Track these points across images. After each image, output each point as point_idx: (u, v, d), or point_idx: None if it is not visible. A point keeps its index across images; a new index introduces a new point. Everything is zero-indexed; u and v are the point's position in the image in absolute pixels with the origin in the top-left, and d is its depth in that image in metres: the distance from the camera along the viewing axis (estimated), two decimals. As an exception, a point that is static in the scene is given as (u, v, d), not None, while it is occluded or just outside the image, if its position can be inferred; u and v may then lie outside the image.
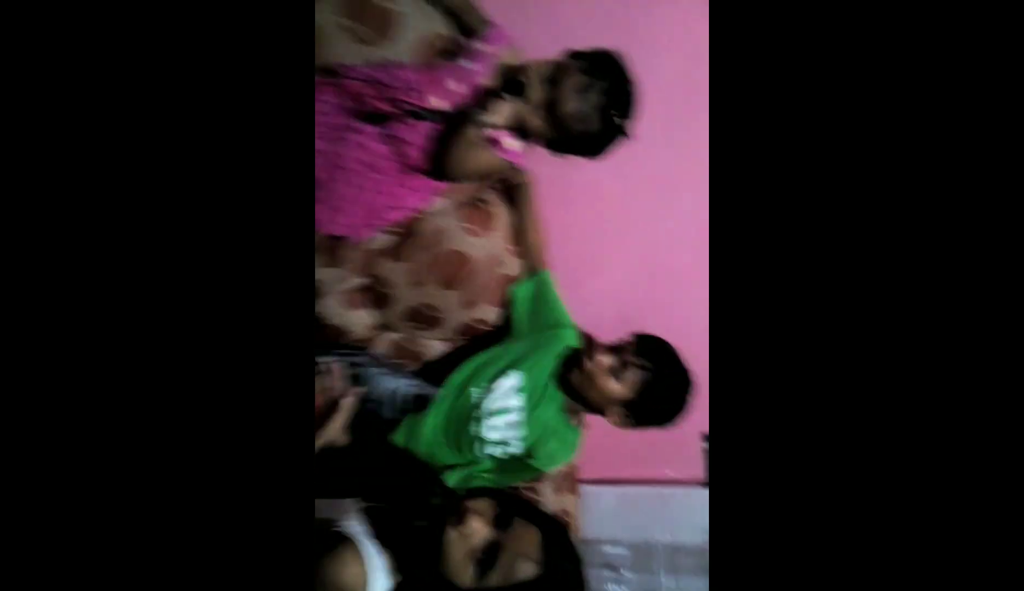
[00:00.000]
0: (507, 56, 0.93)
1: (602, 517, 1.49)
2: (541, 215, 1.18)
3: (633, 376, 1.01)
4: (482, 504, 0.73)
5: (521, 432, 1.08)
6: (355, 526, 0.78)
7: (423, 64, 0.93)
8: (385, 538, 0.77)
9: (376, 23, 0.92)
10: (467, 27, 0.95)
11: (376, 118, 0.90)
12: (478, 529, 0.70)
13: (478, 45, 0.92)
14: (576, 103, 0.87)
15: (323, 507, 0.84)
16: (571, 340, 1.15)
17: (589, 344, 1.06)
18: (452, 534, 0.70)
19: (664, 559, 1.51)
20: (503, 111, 0.82)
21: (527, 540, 0.71)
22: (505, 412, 1.08)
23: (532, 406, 1.09)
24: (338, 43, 0.92)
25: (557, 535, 0.75)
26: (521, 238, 1.18)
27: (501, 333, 1.21)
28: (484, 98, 0.88)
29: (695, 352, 1.06)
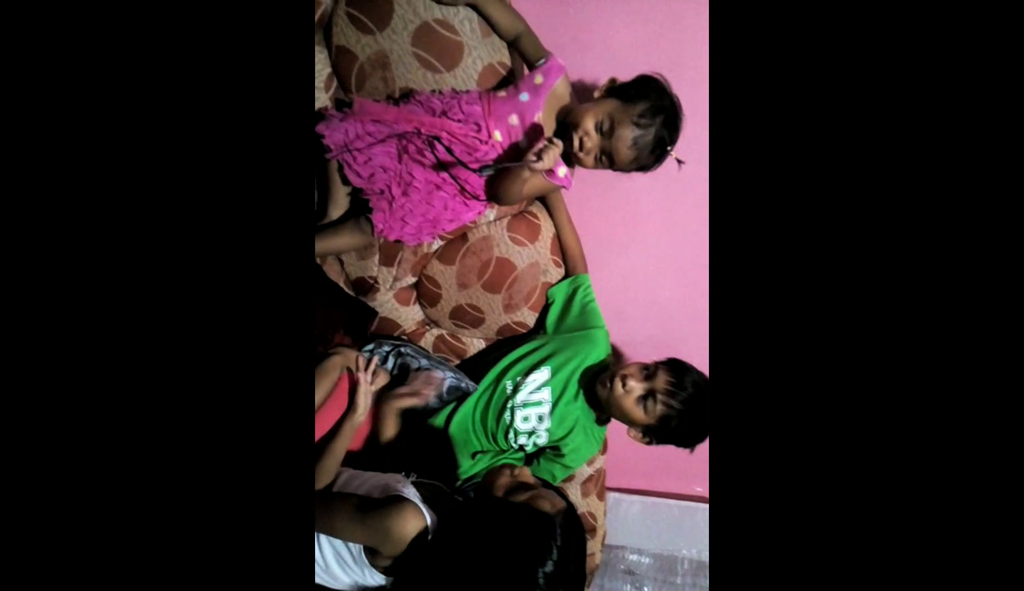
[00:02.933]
0: (560, 87, 1.00)
1: (627, 525, 1.53)
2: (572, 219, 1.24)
3: (660, 410, 1.07)
4: (519, 466, 0.91)
5: (548, 424, 1.16)
6: (412, 492, 0.88)
7: (487, 96, 1.01)
8: (432, 503, 0.88)
9: (443, 52, 1.02)
10: (526, 56, 1.03)
11: (443, 165, 1.00)
12: (519, 472, 0.87)
13: (536, 76, 0.99)
14: (631, 151, 0.95)
15: (375, 479, 0.95)
16: (601, 343, 1.21)
17: (623, 369, 1.11)
18: (505, 470, 0.87)
19: (687, 573, 1.52)
20: (553, 156, 0.91)
21: (553, 493, 0.87)
22: (535, 405, 1.17)
23: (558, 401, 1.17)
24: (409, 70, 1.03)
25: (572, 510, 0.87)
26: (559, 241, 1.25)
27: (536, 333, 1.29)
28: (536, 138, 0.97)
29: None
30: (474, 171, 0.97)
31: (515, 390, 1.17)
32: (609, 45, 1.15)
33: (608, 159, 0.97)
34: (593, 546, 1.39)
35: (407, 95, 1.04)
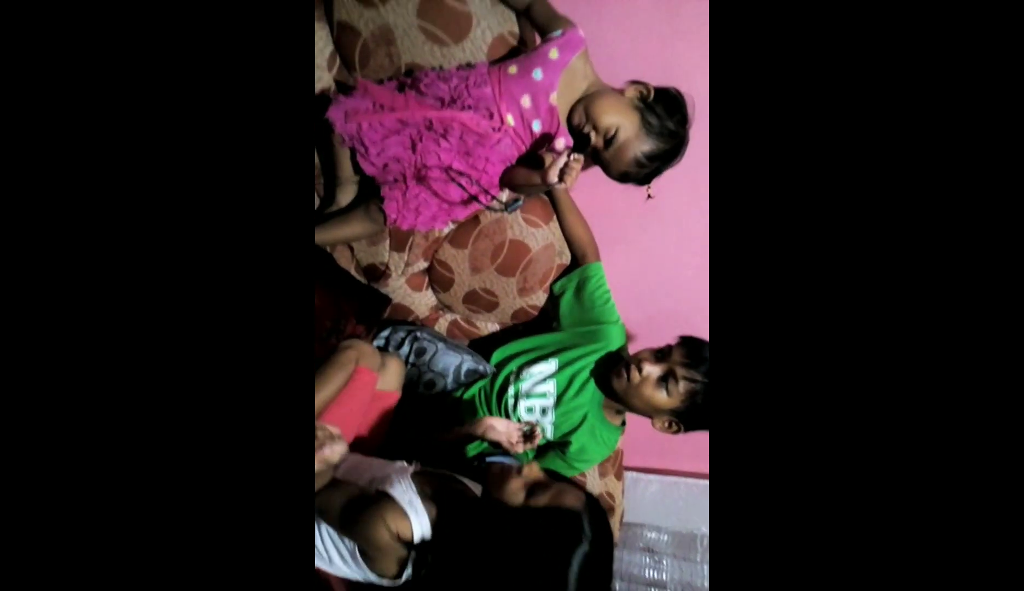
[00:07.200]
0: (578, 63, 0.92)
1: (645, 503, 1.53)
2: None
3: (682, 387, 1.01)
4: (527, 465, 0.84)
5: (552, 418, 1.13)
6: (402, 488, 0.84)
7: (497, 72, 0.94)
8: (431, 496, 0.85)
9: (450, 24, 0.96)
10: (539, 26, 0.95)
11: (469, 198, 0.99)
12: (528, 471, 0.82)
13: (551, 50, 0.91)
14: (619, 176, 0.95)
15: (378, 467, 0.93)
16: (615, 339, 1.16)
17: (635, 354, 1.07)
18: (514, 472, 0.82)
19: (706, 550, 1.52)
20: (576, 174, 0.89)
21: (574, 487, 0.82)
22: (539, 396, 1.14)
23: (563, 395, 1.13)
24: (414, 44, 0.97)
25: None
26: (563, 229, 1.19)
27: (548, 322, 1.25)
28: (551, 119, 0.95)
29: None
30: (500, 210, 0.98)
31: (518, 378, 1.14)
32: (628, 10, 1.08)
33: (596, 159, 0.95)
34: (611, 524, 1.39)
35: (411, 72, 0.99)
